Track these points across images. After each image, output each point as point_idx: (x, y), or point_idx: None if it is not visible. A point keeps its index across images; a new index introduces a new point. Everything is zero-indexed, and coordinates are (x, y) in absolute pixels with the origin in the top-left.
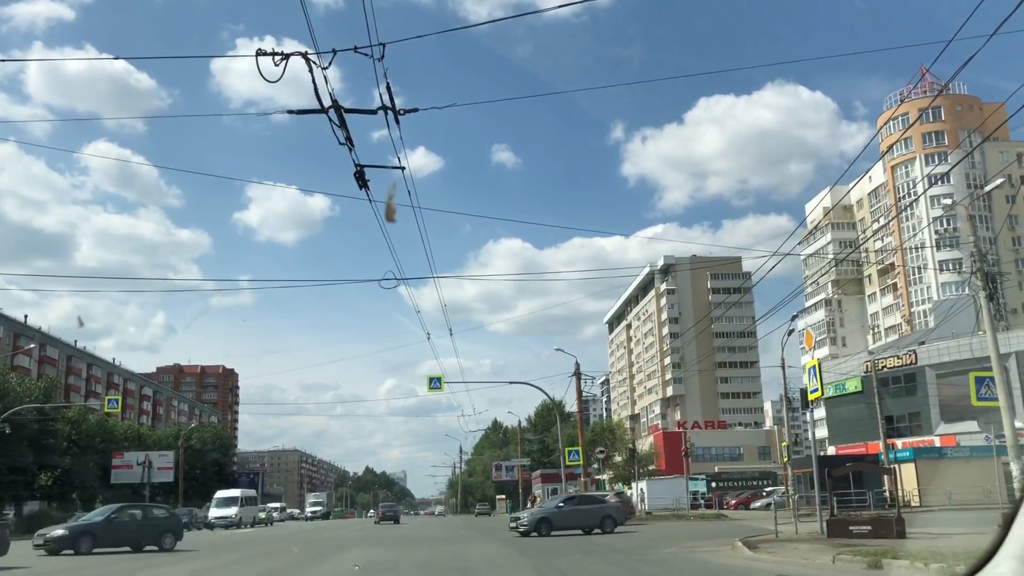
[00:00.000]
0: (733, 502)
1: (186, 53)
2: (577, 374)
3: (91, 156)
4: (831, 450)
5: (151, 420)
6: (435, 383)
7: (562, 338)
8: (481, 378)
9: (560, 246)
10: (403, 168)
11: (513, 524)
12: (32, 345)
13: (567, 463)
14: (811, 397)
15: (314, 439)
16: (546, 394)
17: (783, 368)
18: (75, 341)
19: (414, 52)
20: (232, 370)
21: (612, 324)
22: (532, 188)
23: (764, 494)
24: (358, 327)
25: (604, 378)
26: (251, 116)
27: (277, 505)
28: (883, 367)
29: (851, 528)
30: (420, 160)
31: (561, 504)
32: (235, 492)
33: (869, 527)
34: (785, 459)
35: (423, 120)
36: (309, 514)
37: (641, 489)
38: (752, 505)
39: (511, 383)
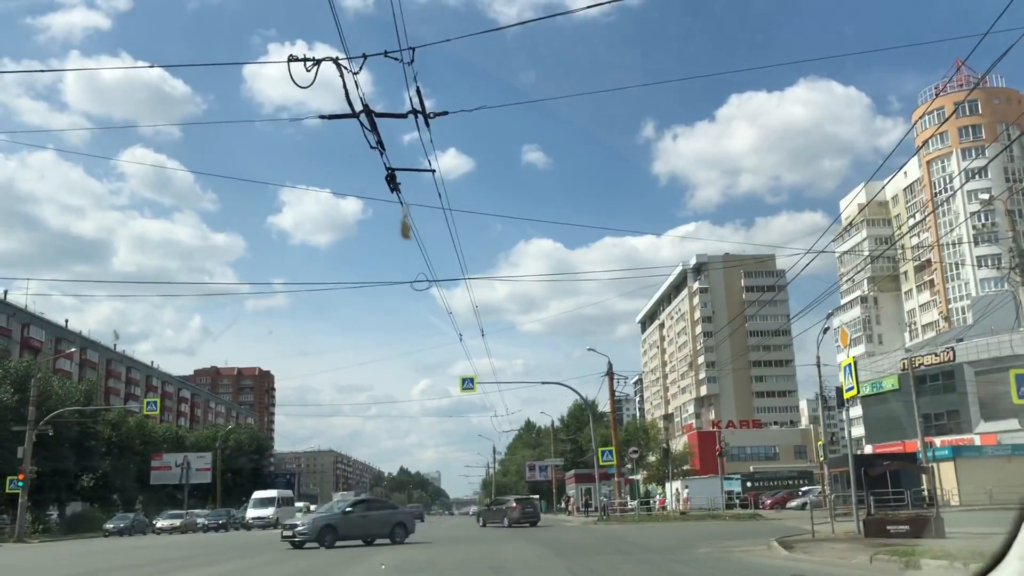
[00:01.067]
0: (769, 502)
1: (218, 59)
2: (610, 374)
3: (128, 163)
4: (868, 448)
5: (188, 422)
6: (468, 384)
7: (594, 338)
8: (513, 378)
9: (591, 246)
10: (433, 171)
11: (288, 532)
12: (73, 349)
13: (600, 463)
14: (847, 395)
15: (349, 440)
16: (578, 394)
17: (818, 366)
18: (114, 345)
19: (443, 54)
20: (268, 372)
21: (644, 323)
22: (563, 188)
23: (800, 493)
24: (391, 329)
25: (637, 378)
26: (283, 121)
27: (313, 506)
28: (920, 364)
29: (888, 528)
30: (451, 161)
31: (349, 509)
32: (272, 493)
33: (907, 527)
34: (821, 458)
35: (453, 122)
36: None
37: (676, 488)
38: (788, 505)
39: (544, 383)
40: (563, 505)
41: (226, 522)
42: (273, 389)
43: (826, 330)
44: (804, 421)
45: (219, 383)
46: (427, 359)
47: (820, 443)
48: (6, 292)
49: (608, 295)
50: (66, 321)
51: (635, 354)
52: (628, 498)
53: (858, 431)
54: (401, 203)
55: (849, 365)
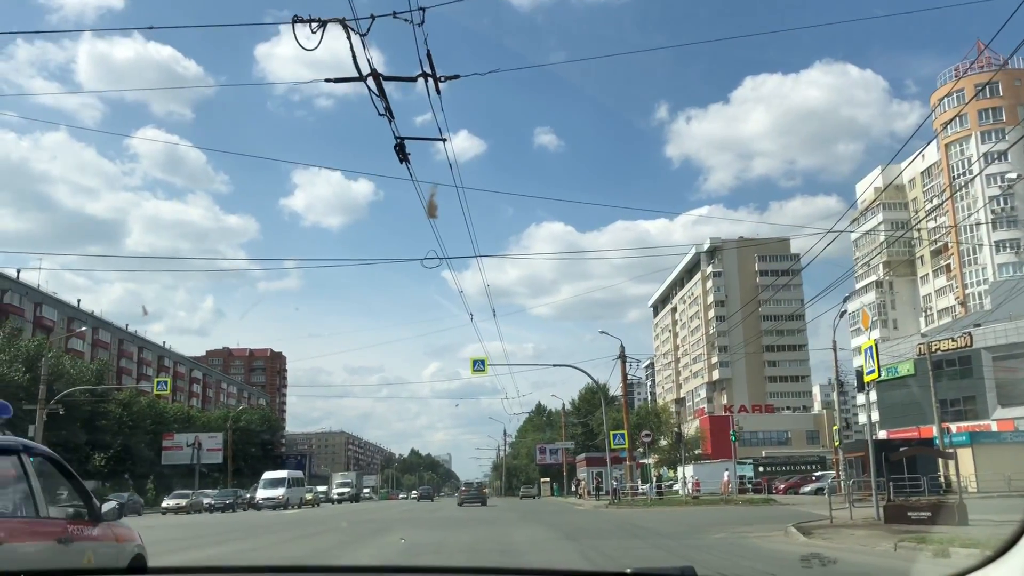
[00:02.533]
0: (782, 487)
1: (230, 38)
2: (622, 357)
3: (141, 140)
4: (882, 434)
5: (200, 402)
6: (479, 365)
7: (604, 323)
8: (524, 361)
9: (603, 229)
10: (445, 139)
11: None
12: (84, 328)
13: (612, 447)
14: (867, 379)
15: (361, 421)
16: (591, 377)
17: (834, 350)
18: (126, 325)
19: (455, 31)
20: (280, 353)
21: (657, 307)
22: (575, 171)
23: (814, 479)
24: (402, 311)
25: (648, 362)
26: (295, 102)
27: (323, 488)
28: (937, 350)
29: (909, 514)
30: (463, 144)
31: None
32: (282, 473)
33: (928, 513)
34: (836, 443)
35: (465, 103)
36: (336, 496)
37: (687, 473)
38: (802, 490)
39: (555, 366)
40: (574, 489)
41: (233, 503)
42: (285, 370)
43: (843, 313)
44: (816, 406)
45: (231, 364)
46: (438, 341)
47: (836, 428)
48: (19, 271)
49: (619, 279)
50: (78, 301)
51: (646, 338)
52: (639, 482)
53: (872, 416)
54: (413, 180)
55: (870, 348)
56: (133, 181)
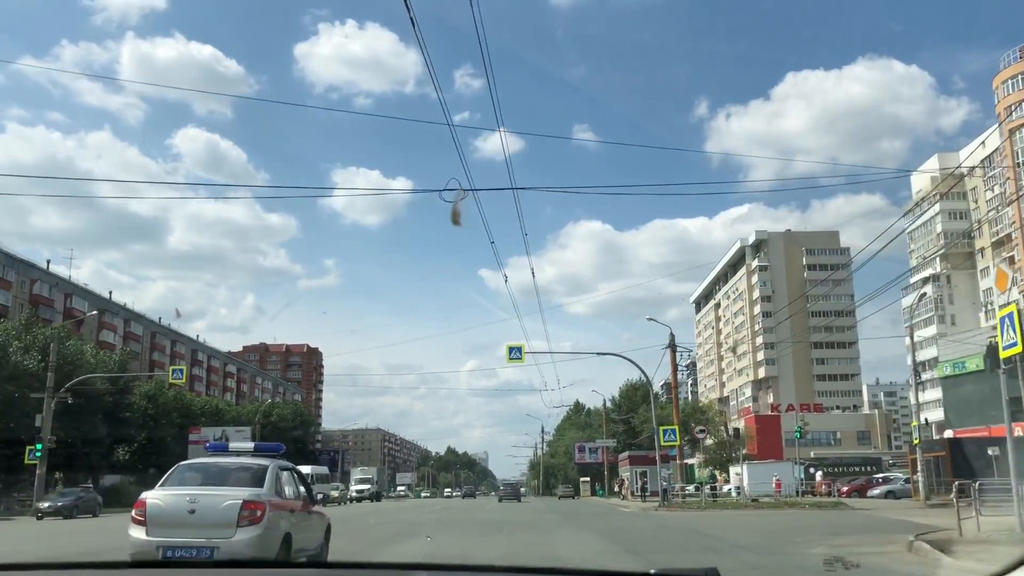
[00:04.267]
0: (846, 489)
1: (271, 40)
2: (672, 346)
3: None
4: (948, 433)
5: (235, 397)
6: (515, 353)
7: (642, 322)
8: (561, 360)
9: (641, 228)
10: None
11: None
12: (89, 313)
13: (662, 443)
14: (1005, 354)
15: (398, 419)
16: (638, 366)
17: (911, 336)
18: (159, 318)
19: (493, 36)
20: (316, 349)
21: (699, 304)
22: (613, 169)
23: (880, 481)
24: (440, 310)
25: (690, 360)
26: (335, 101)
27: (366, 487)
28: None
29: None
30: (499, 141)
31: None
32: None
33: None
34: (916, 440)
35: (504, 101)
36: (355, 494)
37: (736, 473)
38: (869, 493)
39: (600, 354)
40: (616, 489)
41: None
42: (321, 366)
43: (922, 297)
44: (866, 407)
45: (267, 360)
46: (476, 339)
47: (915, 424)
48: (48, 262)
49: (657, 277)
50: (110, 293)
51: (686, 336)
52: (685, 483)
53: (936, 415)
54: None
55: (1010, 315)
56: (176, 180)
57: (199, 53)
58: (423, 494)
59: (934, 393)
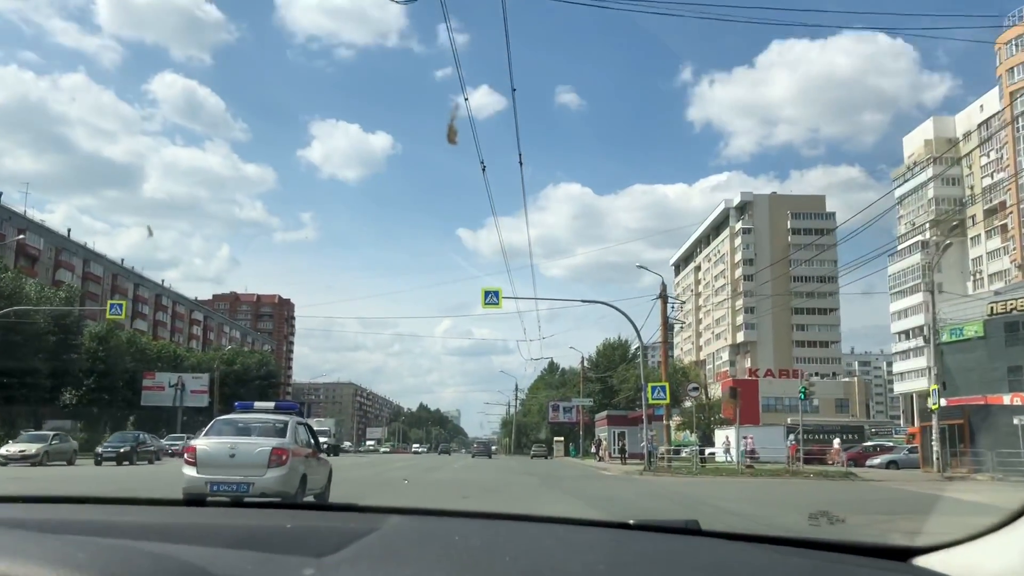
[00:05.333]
0: (844, 457)
1: None
2: (663, 296)
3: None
4: (942, 402)
5: (201, 346)
6: (491, 297)
7: (617, 286)
8: (537, 323)
9: (620, 192)
10: None
11: None
12: (75, 260)
13: (651, 401)
14: None
15: (372, 376)
16: (626, 316)
17: (932, 291)
18: (121, 260)
19: None
20: (288, 300)
21: (679, 266)
22: (595, 131)
23: (877, 449)
24: (418, 267)
25: (675, 317)
26: (314, 53)
27: (324, 440)
28: (1013, 309)
29: None
30: (483, 99)
31: None
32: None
33: None
34: (934, 407)
35: (487, 57)
36: None
37: (727, 438)
38: (868, 463)
39: (584, 302)
40: (594, 450)
41: (131, 451)
42: (293, 318)
43: (948, 246)
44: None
45: (238, 309)
46: (452, 299)
47: (934, 387)
48: (0, 193)
49: (635, 242)
50: (68, 231)
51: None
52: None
53: (915, 384)
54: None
55: None
56: (152, 126)
57: None
58: (382, 449)
59: (918, 362)
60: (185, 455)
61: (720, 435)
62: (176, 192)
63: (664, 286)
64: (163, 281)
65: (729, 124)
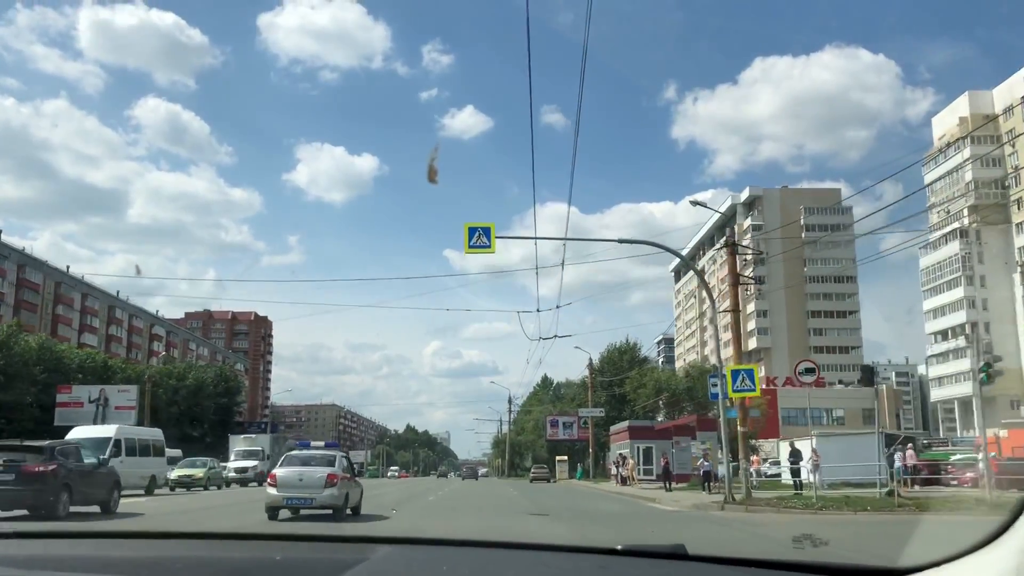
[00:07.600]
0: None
1: (235, 8)
2: (731, 245)
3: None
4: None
5: (162, 363)
6: (479, 238)
7: (607, 304)
8: (535, 323)
9: (606, 211)
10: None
11: None
12: (7, 265)
13: (731, 393)
14: None
15: (360, 398)
16: (676, 254)
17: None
18: (67, 267)
19: (462, 14)
20: (265, 317)
21: (679, 272)
22: (580, 151)
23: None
24: (406, 290)
25: (660, 338)
26: (298, 76)
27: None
28: None
29: None
30: (468, 120)
31: None
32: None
33: None
34: None
35: (472, 79)
36: (233, 473)
37: (792, 447)
38: (951, 482)
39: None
40: (614, 471)
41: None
42: (270, 336)
43: None
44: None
45: (211, 327)
46: (439, 321)
47: None
48: None
49: (622, 260)
50: (0, 231)
51: (665, 311)
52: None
53: (956, 390)
54: None
55: None
56: (136, 151)
57: (161, 22)
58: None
59: (958, 364)
60: (268, 480)
61: (783, 447)
62: (161, 217)
63: (732, 231)
64: (118, 293)
65: (713, 141)
